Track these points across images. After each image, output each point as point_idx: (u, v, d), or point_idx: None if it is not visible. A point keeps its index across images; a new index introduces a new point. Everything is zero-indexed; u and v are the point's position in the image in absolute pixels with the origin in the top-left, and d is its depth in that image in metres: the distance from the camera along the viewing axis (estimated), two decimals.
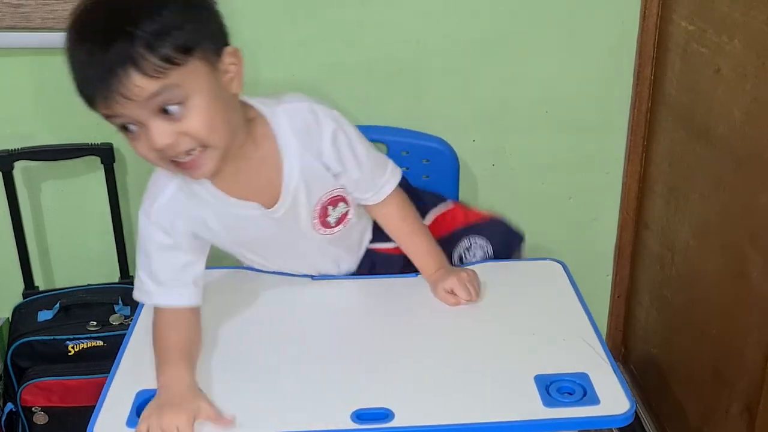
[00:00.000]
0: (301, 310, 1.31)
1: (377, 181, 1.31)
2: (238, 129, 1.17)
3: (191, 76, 1.07)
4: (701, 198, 1.44)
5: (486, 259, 1.41)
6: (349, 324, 1.27)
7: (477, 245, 1.41)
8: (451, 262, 1.37)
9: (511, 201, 1.73)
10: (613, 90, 1.66)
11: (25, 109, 1.59)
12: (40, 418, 1.49)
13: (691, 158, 1.47)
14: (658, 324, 1.67)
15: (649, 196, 1.68)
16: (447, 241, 1.40)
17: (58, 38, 1.46)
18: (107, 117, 1.07)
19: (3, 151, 1.56)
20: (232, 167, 1.19)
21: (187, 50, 1.06)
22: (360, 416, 1.07)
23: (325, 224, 1.29)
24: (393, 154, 1.59)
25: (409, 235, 1.36)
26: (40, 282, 1.70)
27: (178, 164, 1.11)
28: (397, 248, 1.38)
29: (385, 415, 1.07)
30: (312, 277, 1.38)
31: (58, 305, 1.54)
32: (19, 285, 1.66)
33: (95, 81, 1.03)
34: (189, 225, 1.21)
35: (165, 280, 1.20)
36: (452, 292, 1.28)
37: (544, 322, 1.27)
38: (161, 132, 1.06)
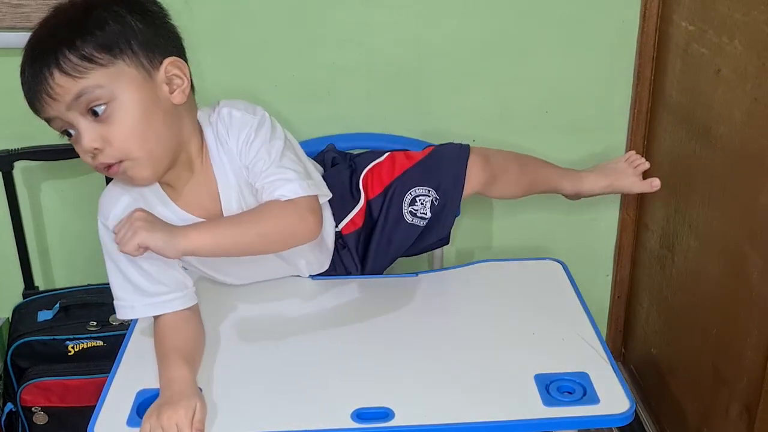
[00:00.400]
0: (301, 310, 1.31)
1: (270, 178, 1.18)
2: (181, 140, 1.16)
3: (117, 78, 1.08)
4: (701, 198, 1.44)
5: (435, 203, 1.33)
6: (349, 323, 1.27)
7: (420, 196, 1.33)
8: (402, 218, 1.33)
9: (510, 201, 1.73)
10: (613, 90, 1.66)
11: (25, 109, 1.57)
12: (40, 418, 1.49)
13: (692, 159, 1.47)
14: (657, 324, 1.67)
15: (649, 196, 1.67)
16: (386, 198, 1.34)
17: None
18: (47, 122, 1.11)
19: (3, 151, 1.56)
20: (184, 178, 1.19)
21: (110, 50, 1.07)
22: (360, 415, 1.07)
23: None
24: None
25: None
26: (40, 282, 1.70)
27: (110, 170, 1.12)
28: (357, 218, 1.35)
29: (385, 414, 1.07)
30: (312, 276, 1.38)
31: (58, 305, 1.54)
32: (19, 285, 1.66)
33: (27, 85, 1.08)
34: None
35: (150, 291, 1.18)
36: None
37: (544, 322, 1.27)
38: (89, 134, 1.08)
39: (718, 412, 1.41)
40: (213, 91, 1.57)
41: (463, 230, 1.70)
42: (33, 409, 1.48)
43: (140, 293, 1.18)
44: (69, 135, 1.11)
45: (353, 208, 1.35)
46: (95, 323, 1.51)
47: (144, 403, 1.10)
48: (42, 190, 1.66)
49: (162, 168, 1.14)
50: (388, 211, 1.34)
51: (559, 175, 1.48)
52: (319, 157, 1.45)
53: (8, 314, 1.62)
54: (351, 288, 1.37)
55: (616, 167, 1.51)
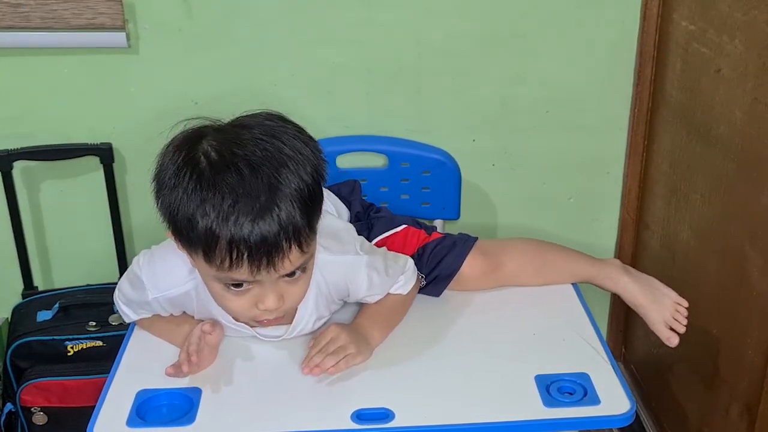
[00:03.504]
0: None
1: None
2: None
3: (315, 240, 1.07)
4: (702, 198, 1.44)
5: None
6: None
7: None
8: None
9: (511, 201, 1.73)
10: (614, 90, 1.66)
11: (25, 109, 1.58)
12: (40, 419, 1.49)
13: (692, 158, 1.47)
14: None
15: (649, 196, 1.67)
16: None
17: (57, 38, 1.49)
18: (232, 280, 1.02)
19: (2, 151, 1.56)
20: None
21: (319, 214, 1.05)
22: (360, 416, 1.07)
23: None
24: (393, 165, 1.58)
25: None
26: (39, 282, 1.70)
27: (271, 322, 1.12)
28: None
29: (385, 415, 1.07)
30: None
31: (57, 305, 1.54)
32: (19, 285, 1.65)
33: (252, 245, 0.97)
34: (178, 310, 1.20)
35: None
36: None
37: (545, 322, 1.27)
38: (277, 297, 1.05)
39: (718, 412, 1.41)
40: (212, 91, 1.58)
41: (463, 231, 1.70)
42: (32, 409, 1.48)
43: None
44: (238, 285, 1.04)
45: None
46: (95, 323, 1.51)
47: (144, 404, 1.10)
48: (41, 190, 1.65)
49: None
50: None
51: (590, 269, 1.40)
52: (345, 190, 1.45)
53: (7, 314, 1.62)
54: None
55: (662, 298, 1.33)
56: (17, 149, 1.56)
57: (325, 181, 1.07)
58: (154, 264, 1.15)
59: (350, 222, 1.39)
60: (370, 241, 1.35)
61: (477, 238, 1.38)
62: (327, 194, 1.38)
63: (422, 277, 1.31)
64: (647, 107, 1.64)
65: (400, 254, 1.28)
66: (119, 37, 1.49)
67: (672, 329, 1.31)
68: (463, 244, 1.35)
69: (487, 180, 1.71)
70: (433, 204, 1.60)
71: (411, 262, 1.27)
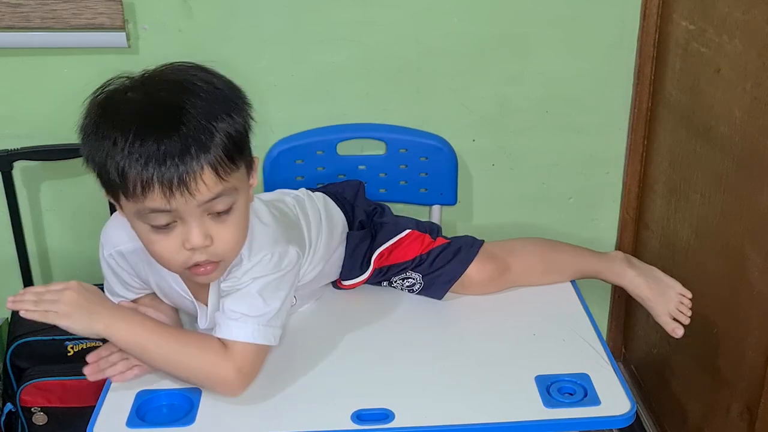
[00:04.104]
0: (301, 312, 1.31)
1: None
2: None
3: (241, 180, 1.05)
4: (702, 198, 1.44)
5: (416, 287, 1.36)
6: (349, 325, 1.27)
7: (410, 278, 1.36)
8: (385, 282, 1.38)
9: (510, 201, 1.73)
10: (614, 90, 1.66)
11: (25, 109, 1.58)
12: (40, 419, 1.49)
13: (692, 158, 1.46)
14: (658, 324, 1.67)
15: (649, 196, 1.67)
16: (386, 273, 1.37)
17: (57, 38, 1.49)
18: (149, 211, 1.00)
19: (2, 151, 1.55)
20: None
21: (241, 152, 1.04)
22: (360, 417, 1.07)
23: None
24: (391, 151, 1.59)
25: None
26: (39, 282, 1.69)
27: (202, 268, 1.07)
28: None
29: (385, 415, 1.07)
30: None
31: None
32: (18, 285, 1.65)
33: (161, 168, 0.97)
34: (134, 276, 1.22)
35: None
36: None
37: (544, 322, 1.27)
38: (201, 231, 1.02)
39: (718, 412, 1.41)
40: None
41: (463, 232, 1.70)
42: (32, 409, 1.48)
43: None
44: (163, 225, 1.02)
45: (359, 276, 1.37)
46: None
47: (144, 404, 1.10)
48: (41, 190, 1.65)
49: None
50: (384, 280, 1.38)
51: (595, 265, 1.41)
52: (349, 193, 1.44)
53: (7, 314, 1.62)
54: (351, 290, 1.37)
55: (666, 290, 1.37)
56: (17, 149, 1.56)
57: (248, 122, 1.06)
58: (108, 224, 1.20)
59: (354, 230, 1.39)
60: (374, 251, 1.35)
61: (483, 241, 1.38)
62: (320, 198, 1.38)
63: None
64: (647, 107, 1.63)
65: (279, 312, 1.14)
66: (119, 37, 1.48)
67: (676, 320, 1.31)
68: (469, 249, 1.35)
69: (487, 180, 1.71)
70: (431, 190, 1.61)
71: (276, 329, 1.13)
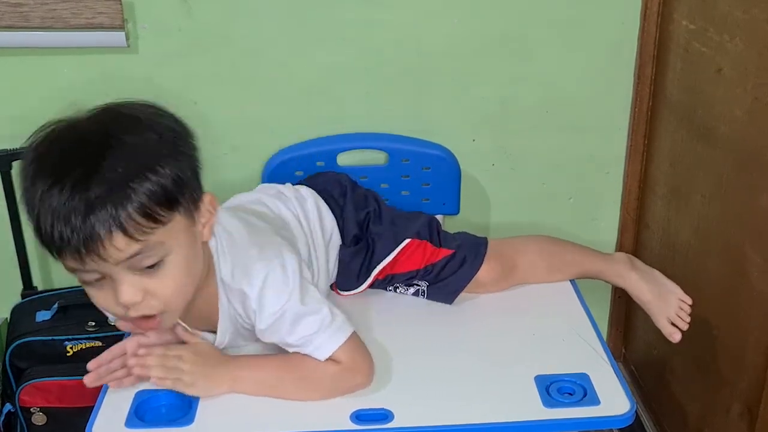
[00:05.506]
0: None
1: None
2: (200, 278, 1.07)
3: (174, 232, 0.97)
4: (702, 198, 1.44)
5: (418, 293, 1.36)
6: None
7: (416, 284, 1.36)
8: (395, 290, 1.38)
9: (511, 201, 1.73)
10: (614, 90, 1.66)
11: (25, 109, 1.58)
12: (39, 419, 1.49)
13: (692, 158, 1.46)
14: None
15: (649, 196, 1.67)
16: (389, 281, 1.37)
17: (56, 38, 1.49)
18: (71, 270, 0.96)
19: (2, 150, 1.55)
20: None
21: (172, 205, 0.96)
22: (360, 417, 1.07)
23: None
24: (393, 162, 1.58)
25: None
26: (38, 282, 1.69)
27: (146, 322, 1.02)
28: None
29: (384, 416, 1.07)
30: None
31: (56, 305, 1.54)
32: (18, 285, 1.65)
33: (69, 234, 0.91)
34: None
35: None
36: None
37: (544, 322, 1.27)
38: (132, 287, 0.96)
39: (719, 413, 1.41)
40: (212, 91, 1.57)
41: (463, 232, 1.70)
42: (32, 409, 1.48)
43: None
44: (93, 281, 0.98)
45: (357, 288, 1.36)
46: (94, 323, 1.51)
47: (143, 404, 1.10)
48: None
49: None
50: (388, 286, 1.38)
51: (599, 265, 1.42)
52: (336, 191, 1.40)
53: (7, 314, 1.62)
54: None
55: (667, 295, 1.37)
56: (17, 149, 1.56)
57: (191, 168, 0.99)
58: None
59: (348, 246, 1.35)
60: (374, 269, 1.33)
61: (486, 240, 1.37)
62: (311, 194, 1.35)
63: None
64: (647, 107, 1.63)
65: (324, 303, 1.13)
66: (118, 37, 1.48)
67: (675, 325, 1.32)
68: (474, 259, 1.34)
69: (487, 180, 1.71)
70: (434, 200, 1.60)
71: (340, 320, 1.12)
